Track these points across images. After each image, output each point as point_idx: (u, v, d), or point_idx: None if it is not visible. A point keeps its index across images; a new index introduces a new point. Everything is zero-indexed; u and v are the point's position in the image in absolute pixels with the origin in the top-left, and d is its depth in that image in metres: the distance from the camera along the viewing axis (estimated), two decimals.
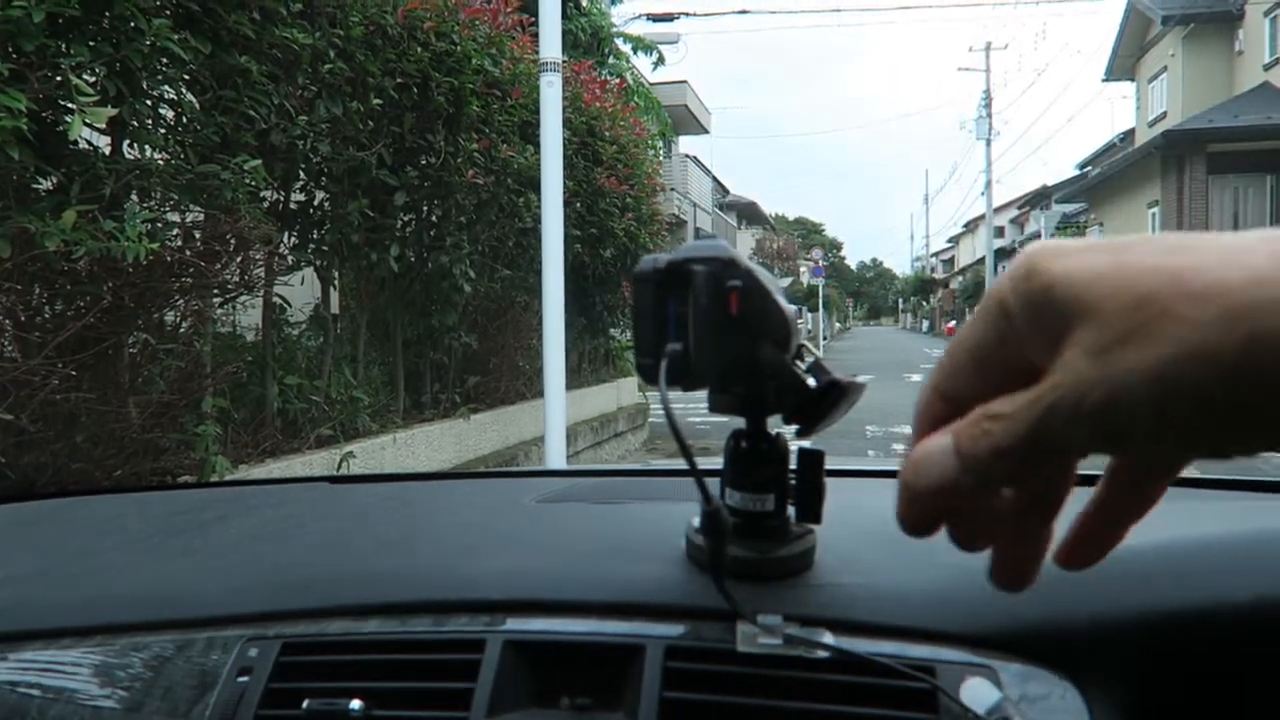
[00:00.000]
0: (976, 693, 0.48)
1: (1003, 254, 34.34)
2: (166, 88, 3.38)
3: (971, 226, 47.97)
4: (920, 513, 0.34)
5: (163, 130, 3.43)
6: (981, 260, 35.64)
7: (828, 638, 0.50)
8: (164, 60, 3.15)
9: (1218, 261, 0.28)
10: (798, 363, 0.50)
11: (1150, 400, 0.28)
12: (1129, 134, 24.52)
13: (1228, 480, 0.85)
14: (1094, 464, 0.35)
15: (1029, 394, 0.31)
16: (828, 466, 0.55)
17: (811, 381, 0.49)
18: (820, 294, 31.43)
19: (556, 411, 4.92)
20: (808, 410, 0.50)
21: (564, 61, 5.31)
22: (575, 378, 8.09)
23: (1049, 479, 0.36)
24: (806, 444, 0.55)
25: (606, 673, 0.53)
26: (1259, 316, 0.27)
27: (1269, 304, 0.27)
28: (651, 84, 18.36)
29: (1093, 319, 0.29)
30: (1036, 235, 25.31)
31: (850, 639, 0.51)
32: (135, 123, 3.20)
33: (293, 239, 4.67)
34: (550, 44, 4.86)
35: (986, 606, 0.54)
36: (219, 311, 4.04)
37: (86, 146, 3.11)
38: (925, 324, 51.01)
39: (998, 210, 35.46)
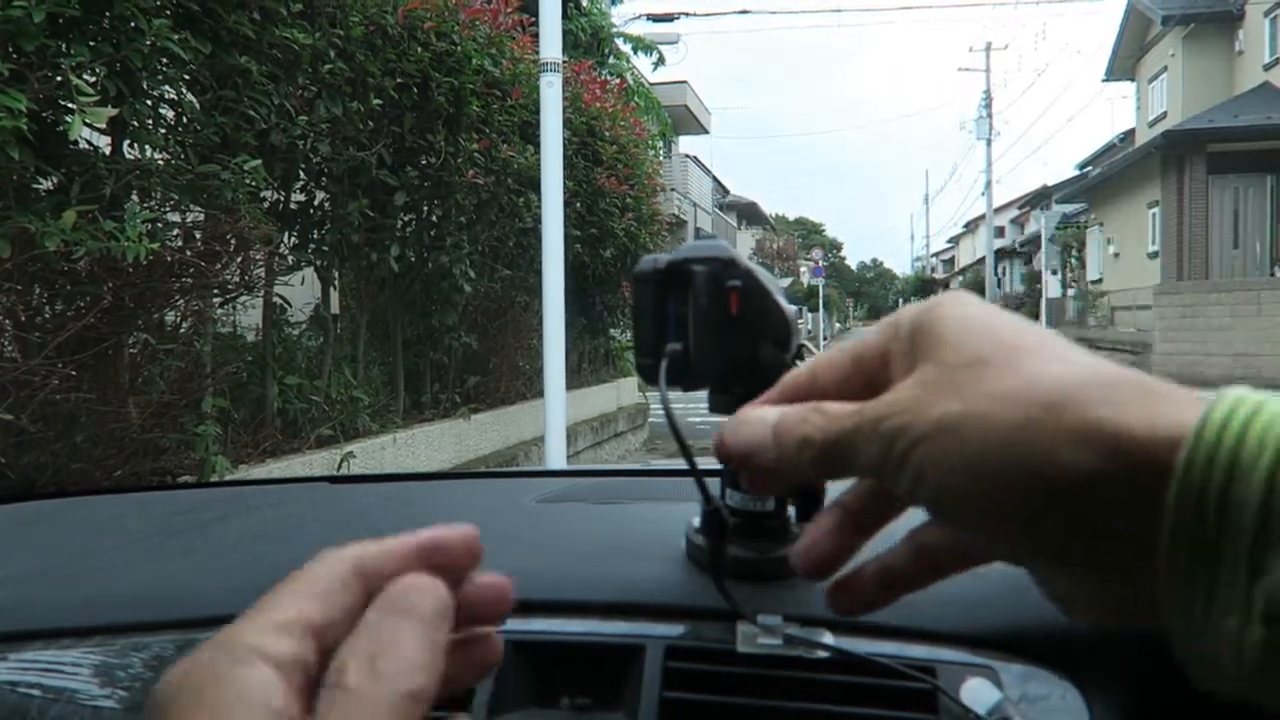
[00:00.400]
0: (977, 693, 0.48)
1: (1003, 254, 34.35)
2: (167, 88, 3.38)
3: (971, 227, 47.98)
4: (727, 458, 0.36)
5: (163, 130, 3.43)
6: (981, 260, 35.65)
7: (828, 638, 0.50)
8: (164, 60, 3.15)
9: (1051, 384, 0.28)
10: (798, 363, 0.50)
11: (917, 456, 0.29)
12: (1129, 134, 24.52)
13: None
14: None
15: (858, 405, 0.32)
16: None
17: None
18: (820, 294, 31.43)
19: (556, 411, 4.92)
20: None
21: (564, 61, 5.31)
22: (575, 378, 8.10)
23: (862, 494, 0.37)
24: None
25: (606, 673, 0.53)
26: (1027, 449, 0.27)
27: (1031, 442, 0.27)
28: (651, 84, 18.37)
29: (936, 358, 0.30)
30: (1037, 235, 25.28)
31: (850, 639, 0.51)
32: (135, 123, 3.20)
33: (293, 239, 4.68)
34: (550, 44, 4.86)
35: (987, 607, 0.54)
36: (219, 311, 4.04)
37: (87, 146, 3.11)
38: None
39: (998, 210, 35.46)
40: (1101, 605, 0.30)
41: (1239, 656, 0.25)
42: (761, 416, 0.35)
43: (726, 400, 0.52)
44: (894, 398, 0.31)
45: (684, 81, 22.14)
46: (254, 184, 3.60)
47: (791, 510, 0.56)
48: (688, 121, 23.26)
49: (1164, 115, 20.40)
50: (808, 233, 73.24)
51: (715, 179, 30.26)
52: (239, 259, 3.73)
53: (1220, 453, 0.25)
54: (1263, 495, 0.24)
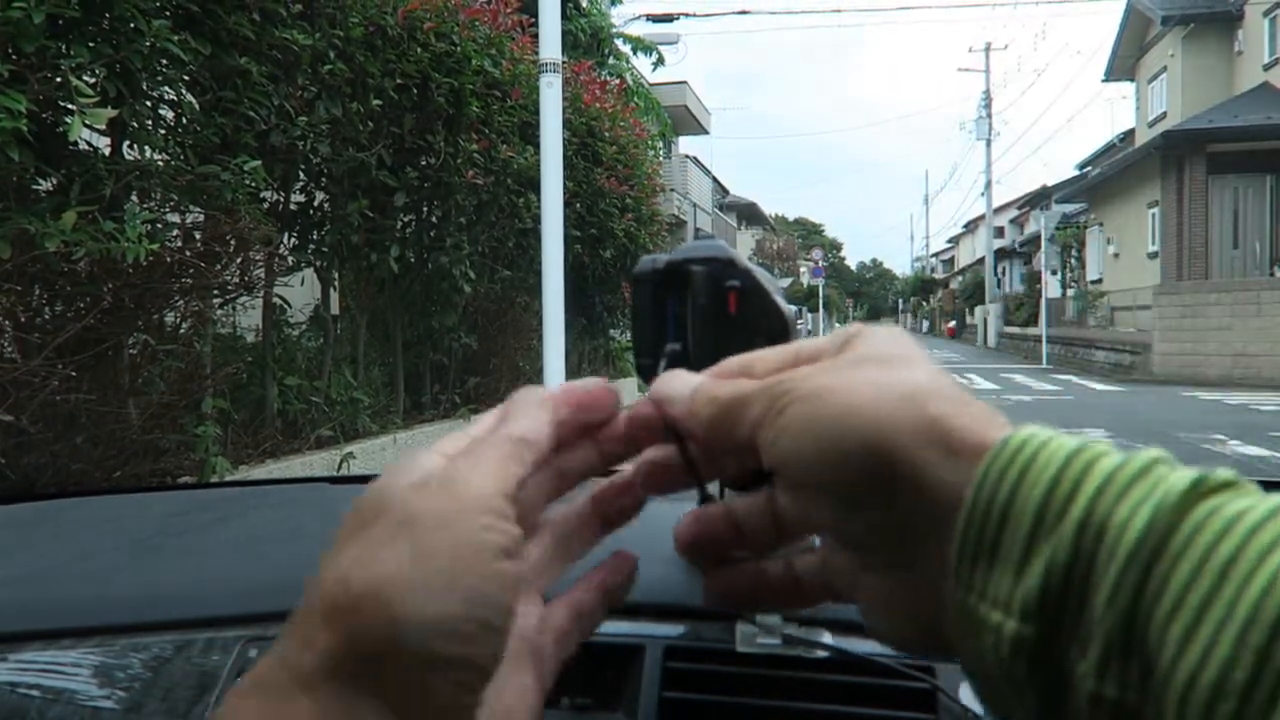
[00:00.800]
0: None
1: (1002, 254, 34.35)
2: (166, 89, 3.39)
3: (971, 227, 47.98)
4: (650, 396, 0.40)
5: (163, 131, 3.43)
6: (981, 260, 35.65)
7: (827, 637, 0.50)
8: (164, 61, 3.15)
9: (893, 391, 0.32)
10: None
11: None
12: (1129, 134, 24.53)
13: None
14: None
15: (766, 381, 0.35)
16: None
17: None
18: (820, 294, 31.43)
19: None
20: None
21: (564, 62, 5.31)
22: (575, 378, 8.08)
23: (771, 508, 0.38)
24: None
25: (606, 673, 0.53)
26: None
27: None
28: (651, 84, 18.38)
29: (843, 355, 0.35)
30: (1036, 235, 25.30)
31: (849, 639, 0.51)
32: (135, 124, 3.20)
33: (293, 240, 4.68)
34: (550, 44, 4.85)
35: None
36: (219, 312, 4.04)
37: (86, 147, 3.11)
38: (925, 324, 51.04)
39: (997, 210, 35.46)
40: (906, 614, 0.33)
41: (996, 649, 0.28)
42: (690, 377, 0.39)
43: None
44: (793, 373, 0.35)
45: (683, 82, 22.15)
46: (254, 185, 3.60)
47: None
48: (687, 122, 23.27)
49: (1163, 115, 20.41)
50: (807, 233, 73.29)
51: (715, 179, 30.26)
52: (239, 260, 3.73)
53: (1013, 466, 0.29)
54: (1038, 506, 0.28)
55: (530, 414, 0.36)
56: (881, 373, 0.33)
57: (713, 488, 0.45)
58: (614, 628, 0.55)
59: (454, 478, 0.32)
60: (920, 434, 0.31)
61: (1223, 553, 0.24)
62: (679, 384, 0.39)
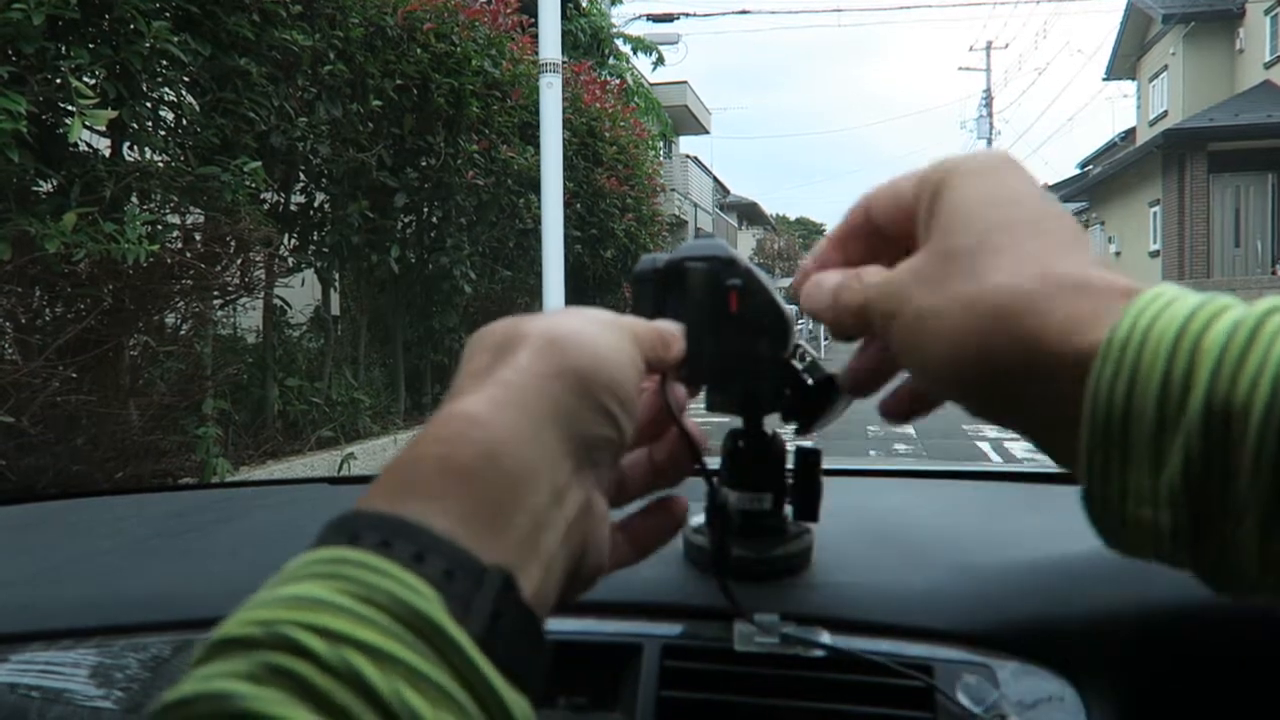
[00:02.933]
0: (973, 691, 0.48)
1: None
2: (166, 90, 3.39)
3: None
4: (811, 312, 0.43)
5: (163, 132, 3.43)
6: None
7: (825, 636, 0.50)
8: (164, 62, 3.15)
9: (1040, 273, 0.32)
10: (795, 362, 0.50)
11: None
12: (1130, 133, 24.51)
13: None
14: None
15: (881, 275, 0.38)
16: (825, 465, 0.55)
17: (810, 381, 0.49)
18: None
19: None
20: (806, 410, 0.50)
21: (564, 62, 5.31)
22: None
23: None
24: (804, 443, 0.55)
25: (604, 672, 0.53)
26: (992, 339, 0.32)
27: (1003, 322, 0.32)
28: (651, 84, 18.37)
29: (933, 243, 0.36)
30: None
31: (847, 638, 0.51)
32: (135, 125, 3.21)
33: (293, 241, 4.68)
34: (550, 45, 4.86)
35: (983, 605, 0.54)
36: (219, 313, 4.04)
37: (86, 149, 3.12)
38: None
39: None
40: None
41: (1155, 539, 0.29)
42: (826, 282, 0.41)
43: (725, 399, 0.52)
44: (895, 278, 0.37)
45: (684, 82, 22.13)
46: (254, 186, 3.60)
47: (789, 509, 0.56)
48: (688, 121, 23.26)
49: (1165, 114, 20.40)
50: (809, 233, 73.18)
51: (715, 179, 30.25)
52: (239, 261, 3.73)
53: (1123, 369, 0.28)
54: (1156, 404, 0.28)
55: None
56: (968, 284, 0.33)
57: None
58: (611, 627, 0.55)
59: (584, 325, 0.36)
60: (1018, 361, 0.31)
61: None
62: (819, 293, 0.41)
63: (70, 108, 2.75)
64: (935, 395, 0.40)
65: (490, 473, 0.30)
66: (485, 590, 0.28)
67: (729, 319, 0.47)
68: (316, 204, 4.76)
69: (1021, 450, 6.09)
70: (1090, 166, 26.80)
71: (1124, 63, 23.57)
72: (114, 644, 0.61)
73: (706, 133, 25.59)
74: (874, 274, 0.39)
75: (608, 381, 0.34)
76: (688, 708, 0.50)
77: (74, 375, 2.97)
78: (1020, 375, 0.31)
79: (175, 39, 3.07)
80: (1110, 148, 26.21)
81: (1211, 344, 0.27)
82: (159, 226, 3.30)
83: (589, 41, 14.75)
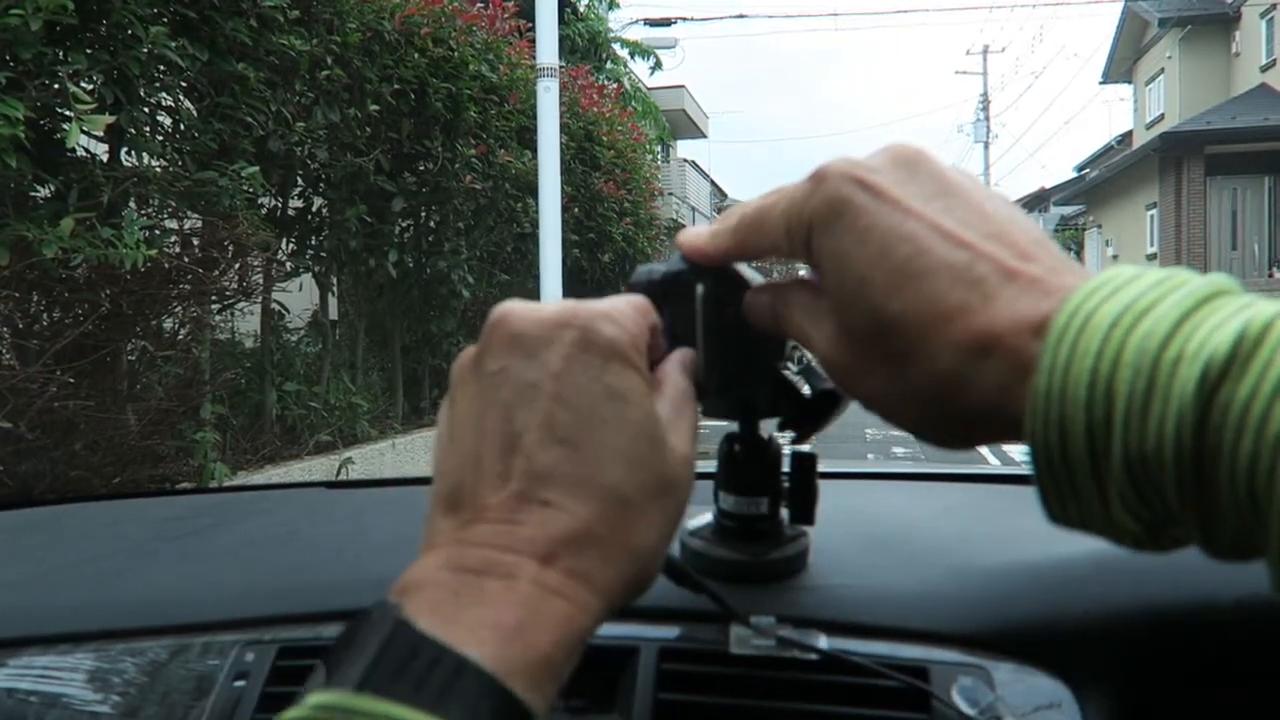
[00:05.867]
0: (969, 693, 0.48)
1: None
2: (164, 95, 3.39)
3: None
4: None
5: (160, 137, 3.43)
6: None
7: (821, 639, 0.50)
8: (161, 67, 3.15)
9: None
10: (791, 366, 0.50)
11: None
12: (1126, 136, 24.57)
13: None
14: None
15: (815, 339, 0.40)
16: (820, 469, 0.55)
17: (806, 387, 0.50)
18: None
19: None
20: (802, 415, 0.50)
21: (561, 67, 5.32)
22: None
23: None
24: (800, 447, 0.55)
25: (601, 675, 0.53)
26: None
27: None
28: (649, 89, 18.39)
29: (843, 311, 0.36)
30: None
31: (843, 640, 0.51)
32: (133, 130, 3.20)
33: (291, 245, 4.68)
34: (547, 49, 4.87)
35: (979, 607, 0.54)
36: (217, 318, 4.04)
37: (84, 154, 3.12)
38: None
39: None
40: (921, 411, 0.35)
41: (1135, 540, 0.30)
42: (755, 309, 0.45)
43: (722, 406, 0.52)
44: (825, 356, 0.38)
45: (681, 86, 22.14)
46: (252, 190, 3.60)
47: (784, 513, 0.56)
48: (685, 126, 23.26)
49: (1161, 117, 20.44)
50: None
51: (714, 183, 30.26)
52: (237, 265, 3.73)
53: (1050, 419, 0.29)
54: (1087, 448, 0.28)
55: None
56: (896, 382, 0.35)
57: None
58: (608, 630, 0.55)
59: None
60: (974, 424, 0.33)
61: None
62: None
63: (68, 113, 2.75)
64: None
65: None
66: None
67: (725, 325, 0.47)
68: (314, 209, 4.77)
69: (1019, 453, 6.09)
70: (1087, 170, 26.85)
71: (1120, 66, 23.64)
72: (111, 648, 0.61)
73: (704, 137, 25.59)
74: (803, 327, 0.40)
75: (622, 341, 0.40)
76: (685, 710, 0.50)
77: (71, 380, 2.97)
78: (981, 432, 0.33)
79: (173, 44, 3.07)
80: (1107, 151, 26.27)
81: (1120, 389, 0.28)
82: (157, 231, 3.30)
83: (586, 46, 14.77)
